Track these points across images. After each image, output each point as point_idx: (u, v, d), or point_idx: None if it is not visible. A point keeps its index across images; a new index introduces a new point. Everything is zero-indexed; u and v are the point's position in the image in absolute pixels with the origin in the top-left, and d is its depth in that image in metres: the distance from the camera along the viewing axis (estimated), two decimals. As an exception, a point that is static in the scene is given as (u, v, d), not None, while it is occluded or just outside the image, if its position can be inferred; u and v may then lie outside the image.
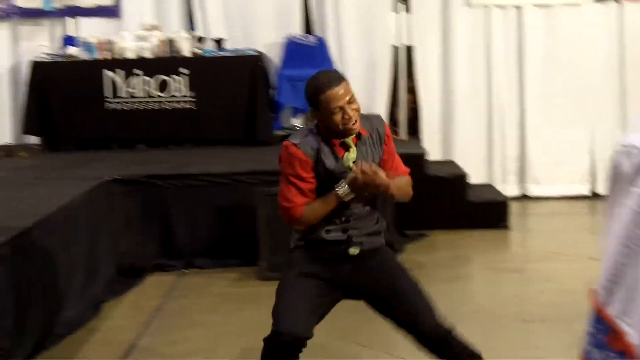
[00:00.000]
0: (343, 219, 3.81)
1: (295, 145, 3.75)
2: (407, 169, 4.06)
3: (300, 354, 3.76)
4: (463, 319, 5.64)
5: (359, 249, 3.83)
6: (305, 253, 3.87)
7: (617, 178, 1.14)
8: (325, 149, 3.76)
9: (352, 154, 3.76)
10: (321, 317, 3.86)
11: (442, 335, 3.90)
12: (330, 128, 3.72)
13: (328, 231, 3.81)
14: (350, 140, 3.76)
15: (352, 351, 5.14)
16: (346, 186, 3.69)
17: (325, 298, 3.86)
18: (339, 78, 3.73)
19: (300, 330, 3.70)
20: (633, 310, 1.15)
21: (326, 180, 3.75)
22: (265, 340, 3.76)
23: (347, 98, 3.66)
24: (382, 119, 3.99)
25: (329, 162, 3.75)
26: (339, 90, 3.66)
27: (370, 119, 3.88)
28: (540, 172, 9.35)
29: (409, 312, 3.87)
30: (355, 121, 3.70)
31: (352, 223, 3.82)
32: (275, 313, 3.75)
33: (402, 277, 3.90)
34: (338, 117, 3.67)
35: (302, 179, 3.74)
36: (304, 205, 3.75)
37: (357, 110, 3.72)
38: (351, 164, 3.73)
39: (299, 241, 3.89)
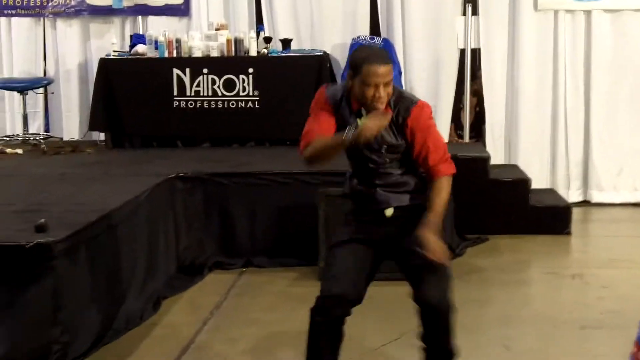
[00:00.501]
0: (369, 170, 4.03)
1: (325, 89, 4.08)
2: (447, 167, 4.02)
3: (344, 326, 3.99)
4: (522, 323, 5.66)
5: (392, 210, 4.00)
6: (347, 216, 4.14)
7: None
8: (346, 109, 3.96)
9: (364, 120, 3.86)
10: (368, 281, 4.06)
11: (444, 307, 4.01)
12: (358, 96, 3.88)
13: (363, 184, 4.05)
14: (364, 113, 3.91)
15: (410, 353, 5.14)
16: (351, 132, 3.79)
17: (369, 262, 4.05)
18: (387, 59, 3.89)
19: (345, 292, 3.88)
20: None
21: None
22: (312, 310, 3.95)
23: (386, 80, 3.82)
24: (414, 107, 3.96)
25: (345, 118, 3.95)
26: (383, 69, 3.80)
27: (404, 102, 3.95)
28: (604, 179, 9.24)
29: (420, 277, 3.95)
30: (382, 103, 3.85)
31: (387, 181, 4.01)
32: (324, 280, 4.00)
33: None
34: (370, 92, 3.82)
35: (320, 119, 3.99)
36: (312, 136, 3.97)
37: (389, 95, 3.87)
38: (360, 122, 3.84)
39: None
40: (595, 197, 9.27)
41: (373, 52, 3.94)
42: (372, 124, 3.74)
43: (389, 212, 4.01)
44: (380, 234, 4.04)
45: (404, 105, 3.94)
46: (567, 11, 9.19)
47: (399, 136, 3.97)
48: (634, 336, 5.20)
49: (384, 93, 3.83)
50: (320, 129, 3.96)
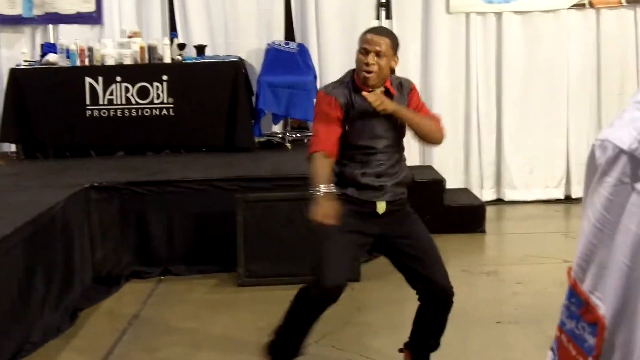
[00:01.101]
0: (377, 164, 4.21)
1: (322, 90, 4.33)
2: (439, 117, 4.47)
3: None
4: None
5: (385, 205, 4.20)
6: (342, 207, 4.14)
7: (593, 169, 1.22)
8: (356, 96, 4.17)
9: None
10: (354, 265, 4.50)
11: (449, 295, 4.31)
12: (357, 68, 4.15)
13: (364, 174, 4.20)
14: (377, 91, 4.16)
15: (327, 354, 5.18)
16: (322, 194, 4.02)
17: (359, 249, 4.39)
18: (385, 32, 4.20)
19: (342, 283, 4.16)
20: (602, 285, 1.23)
21: (361, 120, 4.19)
22: (306, 290, 4.23)
23: (377, 49, 4.05)
24: (411, 81, 4.41)
25: (361, 104, 4.15)
26: (376, 38, 4.08)
27: (401, 81, 4.33)
28: (516, 177, 9.43)
29: (428, 266, 4.28)
30: (371, 72, 4.07)
31: (385, 168, 4.23)
32: (319, 267, 4.19)
33: (423, 233, 4.36)
34: (361, 57, 4.09)
35: (329, 119, 4.17)
36: (321, 151, 4.17)
37: (379, 66, 4.08)
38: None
39: (337, 189, 4.19)
40: (508, 195, 9.45)
41: (374, 27, 4.32)
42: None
43: (382, 207, 4.21)
44: (375, 230, 4.23)
45: (406, 84, 4.31)
46: (478, 13, 9.35)
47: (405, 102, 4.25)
48: (549, 329, 5.32)
49: (372, 61, 4.04)
50: (326, 132, 4.18)
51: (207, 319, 5.92)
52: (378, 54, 4.08)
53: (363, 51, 4.11)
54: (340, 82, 4.31)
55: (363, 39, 4.14)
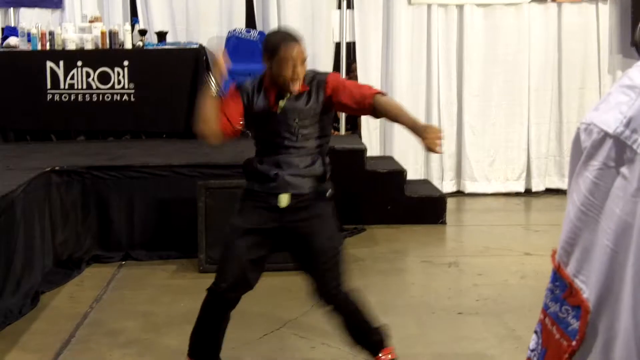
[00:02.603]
0: (277, 150, 4.10)
1: (235, 84, 4.21)
2: (373, 90, 4.12)
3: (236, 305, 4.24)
4: (400, 311, 5.76)
5: (287, 200, 4.08)
6: (244, 202, 4.17)
7: (578, 152, 1.24)
8: (261, 95, 4.11)
9: (282, 103, 4.08)
10: (260, 267, 4.23)
11: (339, 300, 4.23)
12: (276, 78, 4.03)
13: (261, 162, 4.14)
14: (286, 95, 4.08)
15: (289, 341, 5.20)
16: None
17: (261, 250, 4.16)
18: (299, 38, 4.05)
19: (239, 285, 4.13)
20: (586, 269, 1.25)
21: (257, 120, 4.13)
22: (208, 290, 4.17)
23: (301, 58, 3.99)
24: (328, 73, 4.25)
25: (260, 103, 4.10)
26: (298, 48, 3.98)
27: (319, 76, 4.14)
28: (476, 170, 9.52)
29: (317, 271, 4.20)
30: (298, 82, 4.02)
31: (284, 157, 4.09)
32: (218, 267, 4.21)
33: (321, 235, 4.14)
34: (289, 71, 3.97)
35: (226, 105, 4.11)
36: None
37: (303, 74, 4.02)
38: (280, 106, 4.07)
39: (246, 181, 4.22)
40: (469, 187, 9.53)
41: (287, 34, 4.10)
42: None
43: (284, 201, 4.09)
44: (274, 224, 4.12)
45: (319, 77, 4.12)
46: (440, 5, 9.42)
47: (319, 98, 4.10)
48: (509, 321, 5.39)
49: (300, 71, 3.99)
50: (227, 110, 4.11)
51: (168, 304, 5.91)
52: (302, 63, 4.04)
53: (290, 65, 3.99)
54: (251, 80, 4.24)
55: (289, 51, 3.98)
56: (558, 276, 1.42)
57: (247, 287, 4.19)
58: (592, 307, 1.24)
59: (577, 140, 1.23)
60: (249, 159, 4.23)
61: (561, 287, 1.41)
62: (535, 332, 1.58)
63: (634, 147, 1.04)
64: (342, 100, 4.07)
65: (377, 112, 4.06)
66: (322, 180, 4.21)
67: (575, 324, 1.31)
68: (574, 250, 1.30)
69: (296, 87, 4.03)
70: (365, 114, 4.21)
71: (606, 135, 1.10)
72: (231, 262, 4.13)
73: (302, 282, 6.26)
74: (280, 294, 6.06)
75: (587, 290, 1.24)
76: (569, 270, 1.34)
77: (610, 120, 1.10)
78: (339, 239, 4.34)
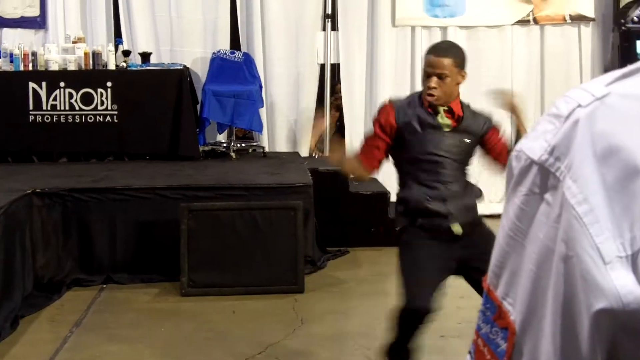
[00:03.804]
0: (440, 186, 4.17)
1: (392, 101, 4.28)
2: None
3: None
4: (382, 334, 5.74)
5: (461, 227, 4.15)
6: (416, 233, 4.23)
7: (509, 178, 1.26)
8: (421, 110, 4.14)
9: (443, 119, 4.16)
10: (440, 289, 4.30)
11: None
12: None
13: (429, 200, 4.15)
14: (440, 108, 4.14)
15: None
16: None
17: (444, 273, 4.28)
18: (446, 51, 4.11)
19: (431, 307, 4.18)
20: (513, 292, 1.26)
21: (418, 137, 4.15)
22: (399, 313, 4.26)
23: (439, 71, 4.01)
24: (493, 120, 4.41)
25: (425, 118, 4.14)
26: (437, 60, 4.03)
27: (482, 115, 4.34)
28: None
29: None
30: (435, 95, 4.04)
31: (448, 192, 4.17)
32: (407, 291, 4.21)
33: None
34: (425, 80, 4.08)
35: (375, 134, 4.22)
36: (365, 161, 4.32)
37: (443, 88, 4.04)
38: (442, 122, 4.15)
39: (404, 218, 4.29)
40: (452, 209, 9.51)
41: (435, 45, 4.25)
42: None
43: (457, 229, 4.18)
44: (454, 251, 4.21)
45: (485, 115, 4.35)
46: (424, 27, 9.43)
47: (474, 138, 4.24)
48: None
49: (435, 84, 4.00)
50: (369, 148, 4.29)
51: (150, 328, 5.88)
52: (441, 76, 4.06)
53: (426, 74, 4.12)
54: (408, 100, 4.32)
55: (426, 61, 4.13)
56: (489, 298, 1.44)
57: (435, 309, 4.28)
58: (517, 329, 1.25)
59: (509, 167, 1.26)
60: (414, 200, 4.25)
61: (491, 309, 1.42)
62: (469, 352, 1.59)
63: (557, 174, 1.07)
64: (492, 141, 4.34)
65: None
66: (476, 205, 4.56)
67: (503, 345, 1.32)
68: (502, 273, 1.32)
69: (432, 98, 4.07)
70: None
71: (532, 162, 1.12)
72: (424, 285, 4.20)
73: (285, 305, 6.27)
74: (259, 318, 6.04)
75: (514, 312, 1.25)
76: (498, 292, 1.35)
77: (536, 148, 1.12)
78: None
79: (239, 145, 9.04)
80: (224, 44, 9.38)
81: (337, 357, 5.30)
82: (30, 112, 8.36)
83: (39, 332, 5.80)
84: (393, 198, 8.46)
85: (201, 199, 6.78)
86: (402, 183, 4.37)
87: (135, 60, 8.92)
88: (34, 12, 9.26)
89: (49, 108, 8.37)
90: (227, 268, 6.49)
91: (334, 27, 9.42)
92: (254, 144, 9.26)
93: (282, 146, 9.35)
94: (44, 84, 8.37)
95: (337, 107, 9.55)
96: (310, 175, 7.48)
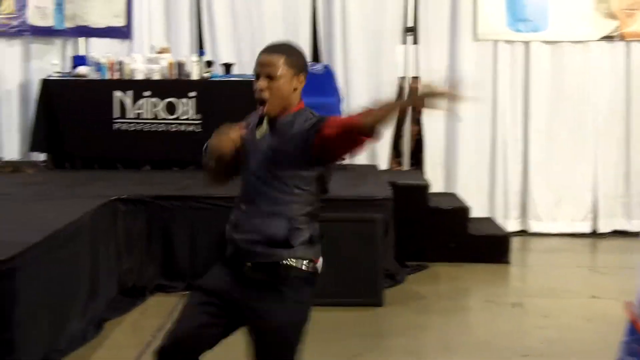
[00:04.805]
0: (242, 207, 3.47)
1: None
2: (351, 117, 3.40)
3: None
4: (462, 350, 5.70)
5: (249, 264, 3.40)
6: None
7: None
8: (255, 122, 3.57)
9: (262, 129, 3.51)
10: (216, 338, 3.54)
11: None
12: None
13: (230, 220, 3.54)
14: (266, 118, 3.48)
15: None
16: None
17: (218, 322, 3.50)
18: (279, 50, 3.43)
19: (186, 345, 3.47)
20: None
21: (244, 149, 3.56)
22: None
23: (269, 71, 3.37)
24: (314, 116, 3.48)
25: (249, 132, 3.58)
26: (267, 59, 3.39)
27: (304, 117, 3.45)
28: (542, 209, 9.41)
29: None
30: (262, 98, 3.38)
31: (244, 218, 3.45)
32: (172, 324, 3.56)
33: (269, 343, 3.42)
34: (255, 82, 3.44)
35: None
36: None
37: (272, 89, 3.37)
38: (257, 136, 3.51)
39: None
40: (534, 227, 9.42)
41: (269, 44, 3.51)
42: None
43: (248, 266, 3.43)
44: (236, 295, 3.46)
45: (307, 117, 3.46)
46: (507, 42, 9.37)
47: (294, 142, 3.41)
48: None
49: (262, 84, 3.37)
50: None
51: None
52: (271, 77, 3.39)
53: (255, 75, 3.45)
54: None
55: (257, 59, 3.44)
56: (634, 330, 1.39)
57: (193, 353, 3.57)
58: None
59: None
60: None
61: (637, 341, 1.37)
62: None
63: None
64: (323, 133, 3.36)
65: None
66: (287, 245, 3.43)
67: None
68: None
69: (260, 99, 3.41)
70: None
71: None
72: (181, 326, 3.55)
73: (364, 318, 6.25)
74: (341, 330, 6.04)
75: None
76: None
77: None
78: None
79: (318, 155, 9.03)
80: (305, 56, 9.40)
81: (415, 372, 5.28)
82: (115, 120, 8.49)
83: (122, 336, 5.87)
84: (473, 214, 8.43)
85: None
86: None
87: (218, 71, 9.01)
88: (120, 22, 9.43)
89: (133, 116, 8.49)
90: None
91: (415, 41, 9.40)
92: (332, 153, 9.24)
93: (361, 159, 9.35)
94: (129, 92, 8.50)
95: (417, 121, 9.52)
96: (389, 188, 7.45)
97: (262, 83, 3.39)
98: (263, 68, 3.40)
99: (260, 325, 3.39)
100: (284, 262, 3.37)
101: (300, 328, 3.44)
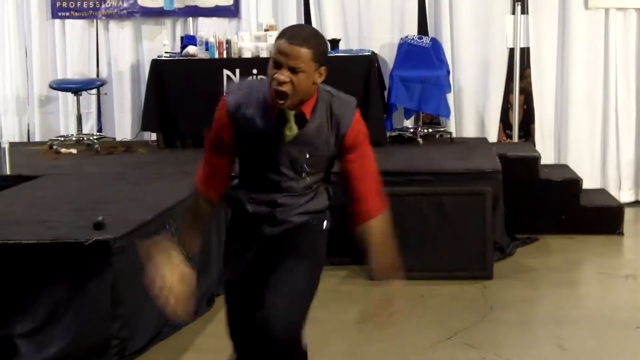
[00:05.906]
0: (273, 189, 3.37)
1: (226, 98, 3.34)
2: (378, 187, 3.57)
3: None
4: (575, 323, 5.64)
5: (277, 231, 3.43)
6: (231, 233, 3.73)
7: None
8: (262, 111, 3.27)
9: (290, 131, 3.28)
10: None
11: (283, 343, 3.49)
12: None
13: (251, 200, 3.42)
14: (290, 114, 3.25)
15: (460, 351, 5.15)
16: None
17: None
18: (306, 40, 3.14)
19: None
20: None
21: (257, 144, 3.32)
22: None
23: (294, 64, 3.10)
24: (353, 116, 3.39)
25: (260, 123, 3.27)
26: (294, 51, 3.10)
27: (336, 103, 3.37)
28: (656, 178, 9.20)
29: (263, 299, 3.47)
30: (282, 91, 3.12)
31: (283, 198, 3.38)
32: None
33: (289, 260, 3.49)
34: (271, 71, 3.15)
35: (216, 141, 3.46)
36: (202, 183, 3.57)
37: (293, 84, 3.12)
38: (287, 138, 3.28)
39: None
40: (648, 197, 9.22)
41: (290, 28, 3.24)
42: None
43: (270, 231, 3.48)
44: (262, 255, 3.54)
45: (346, 112, 3.37)
46: (619, 9, 9.14)
47: (331, 146, 3.35)
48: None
49: (283, 77, 3.09)
50: (211, 167, 3.54)
51: (337, 309, 5.95)
52: (294, 69, 3.12)
53: (274, 64, 3.15)
54: (256, 84, 3.38)
55: (276, 46, 3.14)
56: None
57: None
58: None
59: None
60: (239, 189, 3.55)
61: None
62: None
63: None
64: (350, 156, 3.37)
65: (366, 228, 3.56)
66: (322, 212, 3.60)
67: None
68: None
69: (278, 94, 3.15)
70: (350, 207, 3.55)
71: None
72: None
73: (473, 291, 6.24)
74: (447, 303, 6.04)
75: None
76: None
77: None
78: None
79: (426, 130, 9.02)
80: (412, 30, 9.37)
81: (527, 345, 5.23)
82: (225, 99, 8.58)
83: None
84: (585, 185, 8.28)
85: (389, 184, 6.76)
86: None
87: (325, 46, 9.02)
88: (228, 1, 9.53)
89: (242, 95, 8.57)
90: (415, 253, 6.47)
91: (524, 11, 9.25)
92: (441, 129, 9.21)
93: (469, 131, 9.28)
94: (237, 71, 8.60)
95: (526, 92, 9.38)
96: (499, 160, 7.38)
97: (283, 76, 3.11)
98: (287, 59, 3.11)
99: (290, 243, 3.49)
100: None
101: (323, 253, 3.75)
